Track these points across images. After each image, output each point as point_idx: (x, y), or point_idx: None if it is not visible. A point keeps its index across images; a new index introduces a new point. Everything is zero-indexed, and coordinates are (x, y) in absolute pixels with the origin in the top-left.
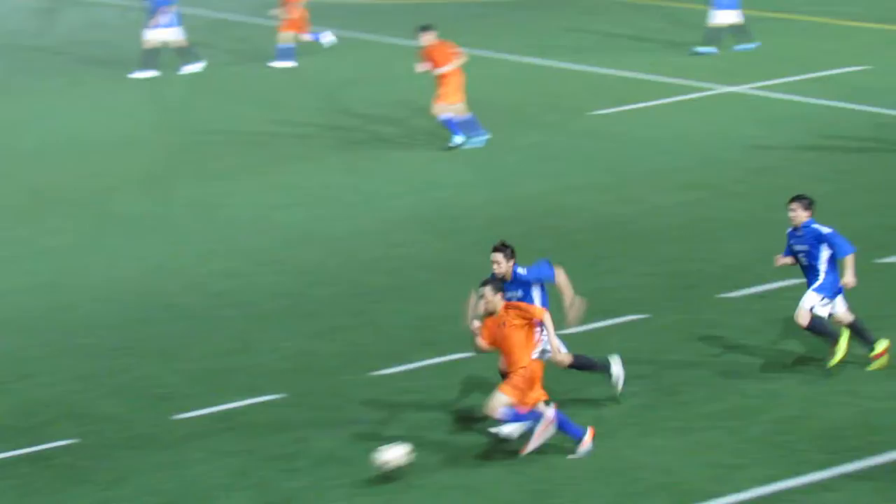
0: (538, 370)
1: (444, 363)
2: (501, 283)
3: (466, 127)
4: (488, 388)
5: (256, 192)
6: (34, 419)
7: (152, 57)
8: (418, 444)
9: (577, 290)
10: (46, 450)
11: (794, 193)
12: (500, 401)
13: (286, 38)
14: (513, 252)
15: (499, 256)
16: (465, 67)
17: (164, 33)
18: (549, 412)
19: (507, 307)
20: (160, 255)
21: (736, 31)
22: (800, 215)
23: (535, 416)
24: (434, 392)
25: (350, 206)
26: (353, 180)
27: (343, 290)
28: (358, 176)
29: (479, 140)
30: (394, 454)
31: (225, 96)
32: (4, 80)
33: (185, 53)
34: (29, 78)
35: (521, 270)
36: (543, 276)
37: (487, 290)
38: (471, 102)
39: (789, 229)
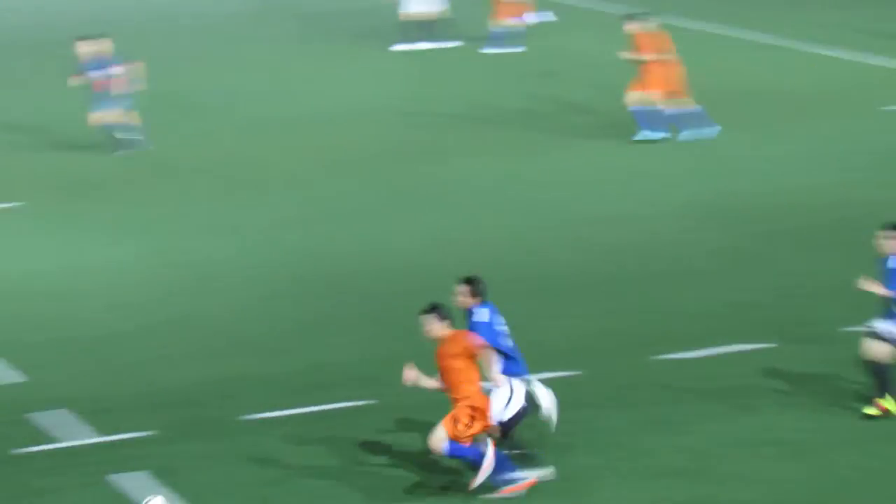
0: (482, 402)
1: (728, 353)
2: (448, 312)
3: (681, 120)
4: (769, 390)
5: (530, 170)
6: (322, 379)
7: (428, 28)
8: (688, 432)
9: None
10: (341, 409)
11: None
12: (439, 436)
13: (500, 23)
14: (479, 290)
15: (462, 289)
16: (754, 53)
17: (421, 4)
18: (490, 451)
19: (449, 337)
20: (437, 226)
21: None
22: (882, 244)
23: (476, 453)
24: (712, 381)
25: (625, 190)
26: (631, 163)
27: (624, 274)
28: (636, 159)
29: (710, 132)
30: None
31: (487, 72)
32: (261, 49)
33: (429, 28)
34: (286, 46)
35: (480, 318)
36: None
37: (428, 316)
38: (756, 90)
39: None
